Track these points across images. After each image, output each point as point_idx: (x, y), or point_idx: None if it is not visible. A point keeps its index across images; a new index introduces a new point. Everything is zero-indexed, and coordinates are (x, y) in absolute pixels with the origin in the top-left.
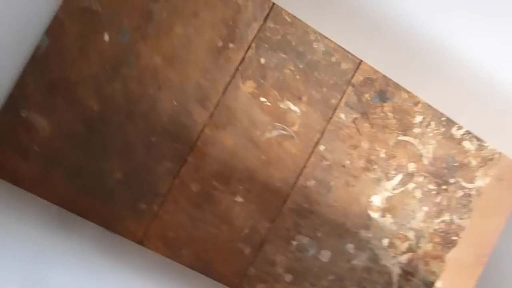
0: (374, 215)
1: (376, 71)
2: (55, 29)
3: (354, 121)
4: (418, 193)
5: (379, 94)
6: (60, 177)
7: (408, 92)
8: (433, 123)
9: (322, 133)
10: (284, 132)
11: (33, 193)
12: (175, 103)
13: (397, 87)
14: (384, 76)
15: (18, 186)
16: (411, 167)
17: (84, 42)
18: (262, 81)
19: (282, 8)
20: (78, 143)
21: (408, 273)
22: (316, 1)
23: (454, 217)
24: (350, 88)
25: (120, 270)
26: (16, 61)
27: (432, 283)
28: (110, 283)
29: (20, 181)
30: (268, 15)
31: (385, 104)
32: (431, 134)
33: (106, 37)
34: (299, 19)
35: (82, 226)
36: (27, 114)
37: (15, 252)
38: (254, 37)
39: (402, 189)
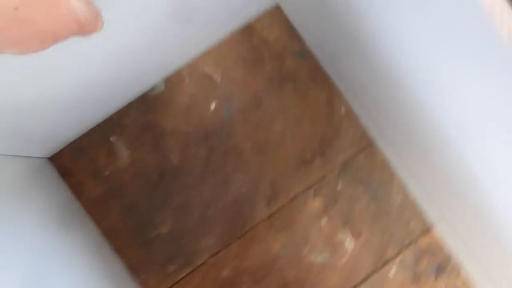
0: None
1: (442, 245)
2: (174, 81)
3: (402, 281)
4: None
5: (437, 268)
6: (116, 208)
7: (464, 279)
8: None
9: (366, 279)
10: (330, 261)
11: (86, 211)
12: (245, 190)
13: (456, 269)
14: (449, 253)
15: (77, 198)
16: None
17: (192, 102)
18: (331, 205)
19: (378, 149)
20: (145, 185)
21: None
22: (421, 153)
23: None
24: (411, 248)
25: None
26: (128, 90)
27: None
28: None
29: (80, 194)
30: (363, 149)
31: (439, 278)
32: None
33: (213, 106)
34: (389, 165)
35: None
36: (115, 140)
37: (15, 252)
38: (341, 163)
39: None
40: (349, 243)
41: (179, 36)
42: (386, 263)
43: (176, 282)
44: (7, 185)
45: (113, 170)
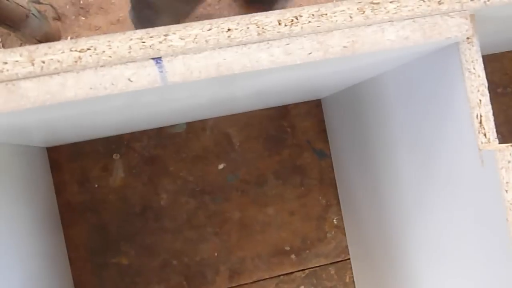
0: None
1: None
2: (196, 128)
3: None
4: None
5: None
6: (88, 221)
7: None
8: None
9: None
10: None
11: (59, 212)
12: (215, 255)
13: None
14: None
15: (56, 196)
16: None
17: (204, 155)
18: None
19: (350, 268)
20: (126, 212)
21: None
22: None
23: None
24: None
25: None
26: (151, 121)
27: None
28: None
29: (60, 193)
30: (337, 263)
31: None
32: None
33: (221, 166)
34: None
35: None
36: (117, 159)
37: (15, 252)
38: (312, 268)
39: None
40: None
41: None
42: None
43: None
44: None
45: (102, 186)
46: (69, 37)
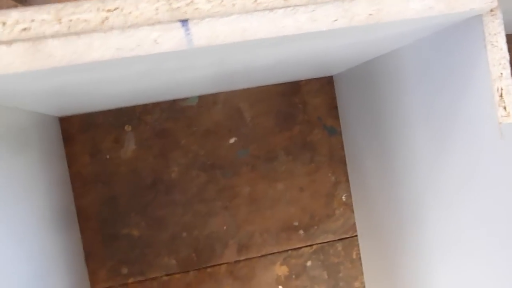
0: None
1: None
2: (208, 101)
3: None
4: None
5: None
6: (99, 192)
7: None
8: None
9: None
10: None
11: (71, 183)
12: (224, 229)
13: None
14: None
15: (69, 167)
16: None
17: (215, 129)
18: (293, 277)
19: (357, 245)
20: (136, 184)
21: None
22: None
23: None
24: None
25: None
26: (164, 94)
27: None
28: None
29: (72, 164)
30: (345, 239)
31: None
32: None
33: (232, 141)
34: (361, 264)
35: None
36: (128, 131)
37: (30, 217)
38: (320, 244)
39: None
40: None
41: (230, 70)
42: None
43: (123, 284)
44: (11, 134)
45: (113, 157)
46: None
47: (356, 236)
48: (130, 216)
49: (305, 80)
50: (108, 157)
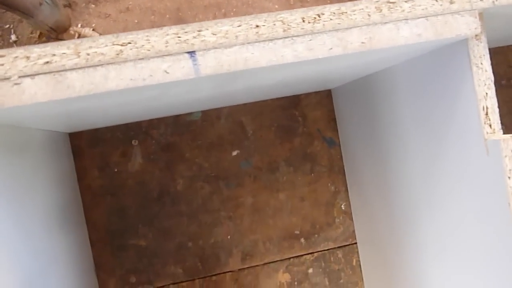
0: None
1: None
2: (211, 116)
3: None
4: None
5: None
6: (108, 204)
7: None
8: None
9: None
10: None
11: (81, 196)
12: (228, 238)
13: None
14: None
15: (78, 180)
16: None
17: (218, 142)
18: (296, 284)
19: (357, 252)
20: (143, 196)
21: None
22: (392, 274)
23: None
24: None
25: None
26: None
27: None
28: None
29: (82, 178)
30: (345, 247)
31: None
32: None
33: (234, 153)
34: (361, 271)
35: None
36: (136, 145)
37: (42, 231)
38: (321, 252)
39: None
40: None
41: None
42: None
43: None
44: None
45: (121, 170)
46: (79, 24)
47: (356, 243)
48: (138, 227)
49: (304, 94)
50: (116, 170)
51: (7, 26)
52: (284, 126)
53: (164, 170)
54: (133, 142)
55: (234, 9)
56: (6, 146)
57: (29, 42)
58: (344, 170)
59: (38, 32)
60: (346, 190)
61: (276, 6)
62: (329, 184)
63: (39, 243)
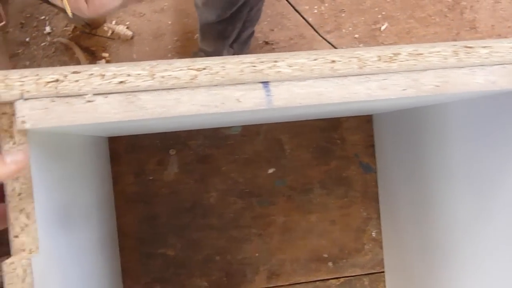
0: None
1: None
2: (251, 131)
3: None
4: None
5: None
6: (140, 211)
7: None
8: None
9: None
10: None
11: (114, 200)
12: (256, 256)
13: None
14: None
15: (114, 184)
16: None
17: (255, 158)
18: None
19: (383, 281)
20: (176, 206)
21: None
22: None
23: None
24: None
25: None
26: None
27: None
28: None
29: (116, 182)
30: (372, 275)
31: None
32: None
33: (270, 171)
34: None
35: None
36: (172, 154)
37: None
38: (347, 277)
39: None
40: None
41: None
42: None
43: None
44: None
45: (156, 179)
46: (113, 21)
47: (383, 272)
48: (168, 236)
49: (345, 117)
50: (151, 178)
51: (43, 17)
52: (322, 147)
53: (199, 181)
54: (170, 151)
55: (268, 19)
56: (56, 151)
57: (63, 34)
58: (378, 198)
59: (72, 26)
60: (378, 217)
61: (311, 19)
62: (361, 210)
63: (77, 239)
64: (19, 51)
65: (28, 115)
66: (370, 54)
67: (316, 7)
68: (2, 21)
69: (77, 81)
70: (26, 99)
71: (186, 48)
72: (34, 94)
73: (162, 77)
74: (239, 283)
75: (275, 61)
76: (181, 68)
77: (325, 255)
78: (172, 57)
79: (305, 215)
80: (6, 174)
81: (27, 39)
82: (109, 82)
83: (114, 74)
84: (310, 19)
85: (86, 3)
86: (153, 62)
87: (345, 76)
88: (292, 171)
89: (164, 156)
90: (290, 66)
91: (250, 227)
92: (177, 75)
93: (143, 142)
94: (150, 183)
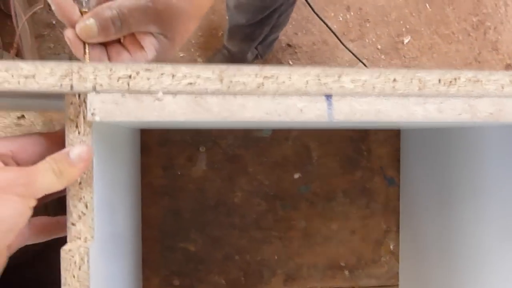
0: None
1: None
2: (280, 135)
3: None
4: None
5: None
6: (165, 204)
7: None
8: None
9: None
10: None
11: (142, 197)
12: (276, 257)
13: None
14: None
15: (142, 178)
16: None
17: (282, 162)
18: None
19: None
20: (200, 203)
21: None
22: None
23: None
24: None
25: None
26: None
27: None
28: None
29: (145, 174)
30: (386, 287)
31: None
32: None
33: (296, 176)
34: None
35: None
36: (202, 151)
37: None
38: (362, 287)
39: None
40: None
41: None
42: None
43: None
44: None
45: (184, 174)
46: None
47: (398, 286)
48: (190, 231)
49: (374, 130)
50: (179, 173)
51: None
52: (348, 157)
53: (226, 180)
54: (200, 148)
55: (293, 22)
56: (110, 142)
57: None
58: (399, 211)
59: None
60: (398, 231)
61: (335, 26)
62: (381, 222)
63: (117, 228)
64: (45, 32)
65: (99, 108)
66: (431, 76)
67: (341, 14)
68: (40, 5)
69: (148, 79)
70: (98, 92)
71: (208, 44)
72: (106, 88)
73: (230, 81)
74: (256, 284)
75: (339, 76)
76: (249, 75)
77: (342, 264)
78: (194, 52)
79: (326, 222)
80: (78, 175)
81: (54, 22)
82: (179, 83)
83: (184, 75)
84: (334, 27)
85: None
86: (223, 67)
87: (405, 96)
88: (317, 178)
89: (193, 153)
90: (353, 82)
91: (271, 230)
92: (245, 81)
93: (174, 137)
94: (178, 178)
